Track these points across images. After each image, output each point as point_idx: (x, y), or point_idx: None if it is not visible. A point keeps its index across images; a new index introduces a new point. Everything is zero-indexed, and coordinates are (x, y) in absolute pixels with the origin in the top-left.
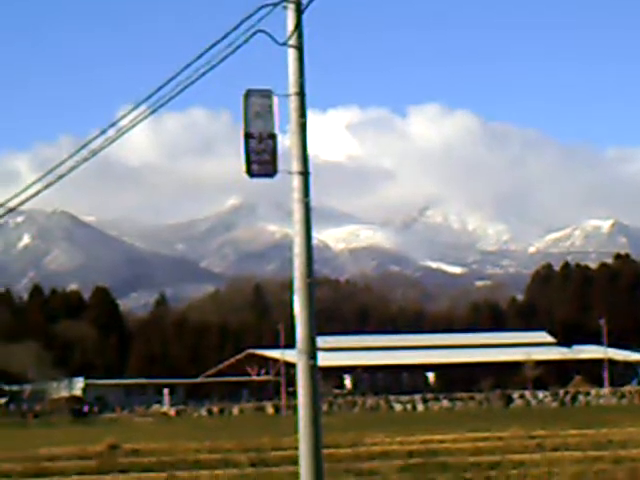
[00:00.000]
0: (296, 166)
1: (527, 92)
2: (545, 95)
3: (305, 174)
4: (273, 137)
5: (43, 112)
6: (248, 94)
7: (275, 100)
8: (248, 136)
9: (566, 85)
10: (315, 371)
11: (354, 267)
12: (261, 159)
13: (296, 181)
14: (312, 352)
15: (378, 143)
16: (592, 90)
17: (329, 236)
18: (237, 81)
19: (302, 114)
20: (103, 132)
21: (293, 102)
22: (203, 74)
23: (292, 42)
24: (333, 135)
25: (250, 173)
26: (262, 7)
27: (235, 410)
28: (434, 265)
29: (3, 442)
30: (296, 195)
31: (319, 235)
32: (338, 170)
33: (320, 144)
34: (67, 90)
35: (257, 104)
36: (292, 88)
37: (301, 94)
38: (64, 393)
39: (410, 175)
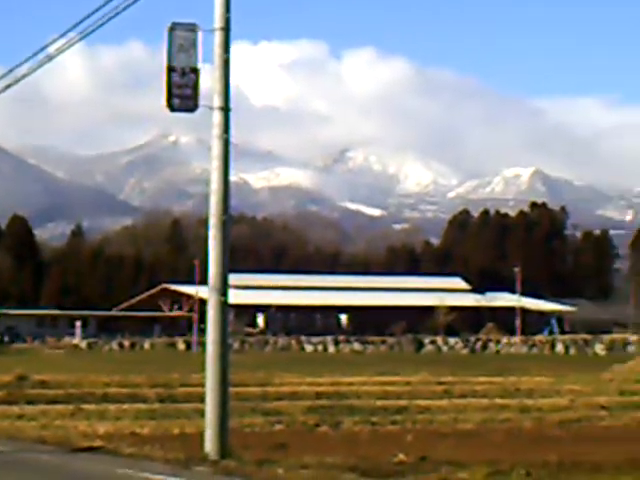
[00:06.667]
0: (217, 101)
1: (467, 40)
2: (485, 44)
3: (226, 110)
4: (196, 71)
5: None
6: (173, 27)
7: (200, 34)
8: (171, 70)
9: (506, 35)
10: (226, 308)
11: (273, 206)
12: (183, 93)
13: (216, 117)
14: (223, 289)
15: (312, 85)
16: (532, 40)
17: (250, 174)
18: (175, 16)
19: (226, 50)
20: (29, 58)
21: (218, 37)
22: (130, 5)
23: None
24: (267, 74)
25: (171, 107)
26: None
27: (147, 345)
28: (353, 207)
29: None
30: (216, 131)
31: (240, 173)
32: (273, 112)
33: (255, 83)
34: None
35: (181, 37)
36: (217, 23)
37: (226, 29)
38: None
39: (339, 118)
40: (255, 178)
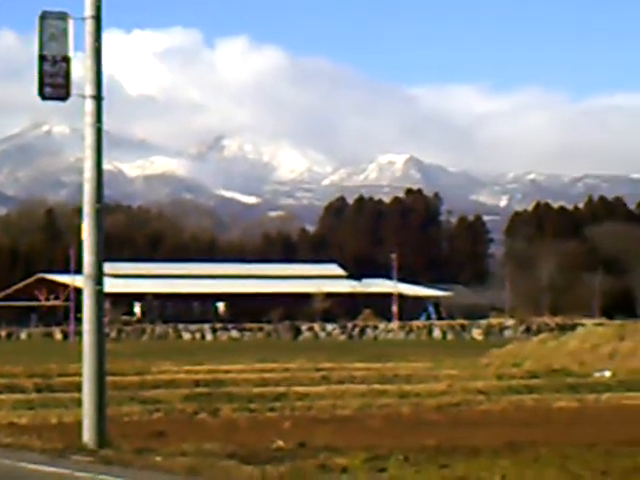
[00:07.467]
0: (89, 90)
1: (341, 29)
2: (359, 33)
3: (98, 98)
4: (67, 60)
5: None
6: (43, 16)
7: (71, 23)
8: (42, 58)
9: (380, 23)
10: (101, 297)
11: (148, 194)
12: (54, 82)
13: (89, 105)
14: (99, 278)
15: (186, 73)
16: (404, 28)
17: (124, 163)
18: (47, 5)
19: (97, 38)
20: None
21: (89, 26)
22: None
23: None
24: (141, 62)
25: (43, 95)
26: None
27: (23, 335)
28: (228, 194)
29: None
30: (88, 119)
31: (114, 161)
32: (148, 101)
33: (129, 72)
34: None
35: (52, 26)
36: (88, 11)
37: (97, 18)
38: None
39: (214, 106)
40: (130, 167)
